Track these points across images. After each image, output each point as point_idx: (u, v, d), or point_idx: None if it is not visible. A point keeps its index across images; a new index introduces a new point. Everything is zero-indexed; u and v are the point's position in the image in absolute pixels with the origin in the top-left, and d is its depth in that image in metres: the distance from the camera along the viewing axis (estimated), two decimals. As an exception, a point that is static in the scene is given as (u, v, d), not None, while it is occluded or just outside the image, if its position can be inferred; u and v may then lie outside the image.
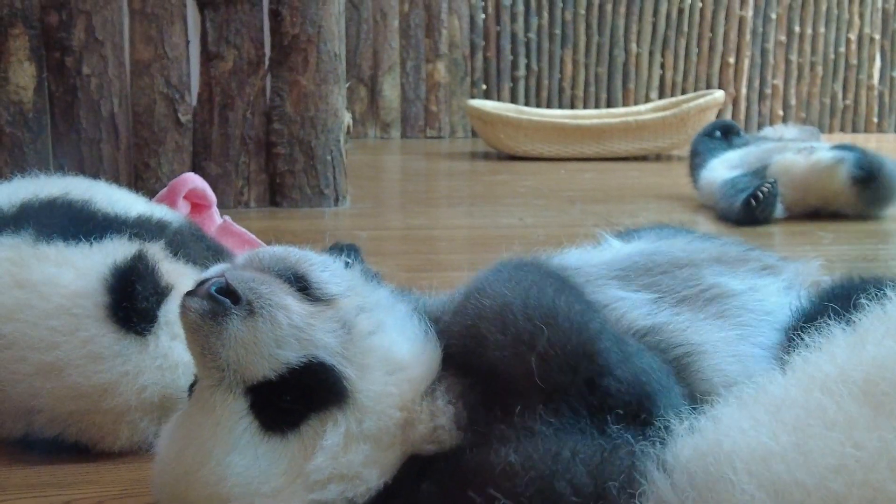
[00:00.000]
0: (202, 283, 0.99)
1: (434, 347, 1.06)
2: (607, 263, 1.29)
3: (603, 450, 0.90)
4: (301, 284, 1.02)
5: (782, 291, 1.26)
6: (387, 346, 1.02)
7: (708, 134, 4.19)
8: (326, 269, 1.05)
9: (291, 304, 0.99)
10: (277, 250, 1.05)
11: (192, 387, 1.07)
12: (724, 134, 4.18)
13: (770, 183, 3.43)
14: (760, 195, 3.39)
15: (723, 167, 3.83)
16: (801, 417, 0.78)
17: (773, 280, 1.27)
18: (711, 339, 1.13)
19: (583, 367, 0.95)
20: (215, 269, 1.03)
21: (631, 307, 1.16)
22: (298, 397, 0.98)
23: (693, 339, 1.12)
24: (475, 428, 0.99)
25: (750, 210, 3.40)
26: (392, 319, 1.06)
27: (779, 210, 3.49)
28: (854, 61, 8.07)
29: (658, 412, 0.94)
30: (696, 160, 4.07)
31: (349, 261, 1.11)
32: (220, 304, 0.96)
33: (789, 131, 4.60)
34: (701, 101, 5.83)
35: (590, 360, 0.96)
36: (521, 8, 7.55)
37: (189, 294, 0.99)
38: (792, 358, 0.89)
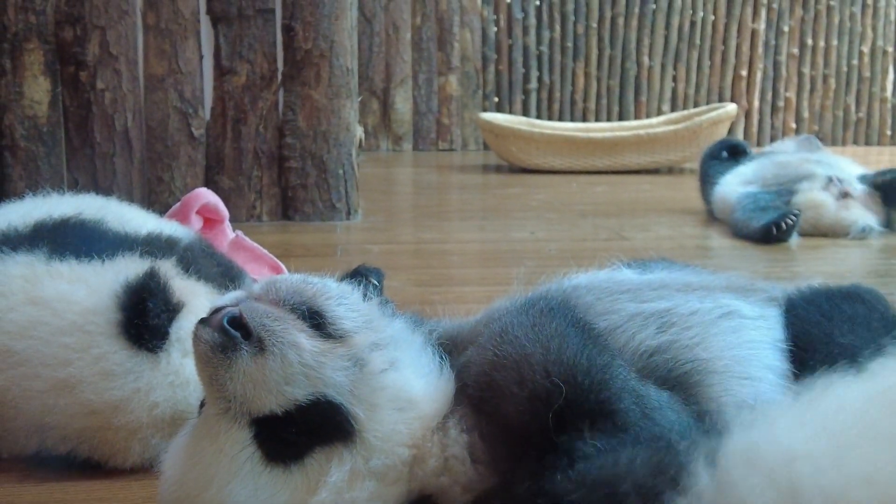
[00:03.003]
0: (216, 311, 0.99)
1: (448, 381, 1.06)
2: (619, 282, 1.29)
3: (659, 450, 0.89)
4: (316, 320, 1.01)
5: None
6: (399, 383, 1.01)
7: (714, 156, 4.15)
8: (343, 303, 1.04)
9: (303, 342, 0.98)
10: (295, 281, 1.05)
11: (202, 404, 1.08)
12: (731, 154, 4.14)
13: (795, 214, 3.41)
14: (784, 226, 3.37)
15: (737, 182, 3.81)
16: (848, 425, 0.76)
17: (780, 311, 1.25)
18: (723, 356, 1.11)
19: (600, 425, 0.94)
20: (230, 297, 1.02)
21: (640, 327, 1.14)
22: (304, 431, 0.98)
23: (702, 356, 1.10)
24: (495, 459, 0.99)
25: (768, 235, 3.38)
26: (406, 354, 1.05)
27: (794, 238, 3.46)
28: (867, 74, 8.05)
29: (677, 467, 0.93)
30: (706, 181, 4.03)
31: (368, 290, 1.10)
32: (230, 338, 0.97)
33: (787, 146, 4.54)
34: (713, 114, 5.82)
35: (608, 418, 0.94)
36: (533, 21, 7.57)
37: (202, 322, 0.99)
38: (869, 366, 0.88)
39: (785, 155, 4.03)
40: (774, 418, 0.82)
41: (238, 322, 0.98)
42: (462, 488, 1.01)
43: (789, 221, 3.38)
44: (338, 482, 0.97)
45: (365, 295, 1.10)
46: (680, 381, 1.08)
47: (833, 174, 3.64)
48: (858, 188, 3.60)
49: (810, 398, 0.84)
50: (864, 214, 3.54)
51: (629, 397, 0.97)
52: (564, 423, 0.93)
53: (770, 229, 3.38)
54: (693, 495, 0.81)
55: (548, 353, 0.97)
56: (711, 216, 3.94)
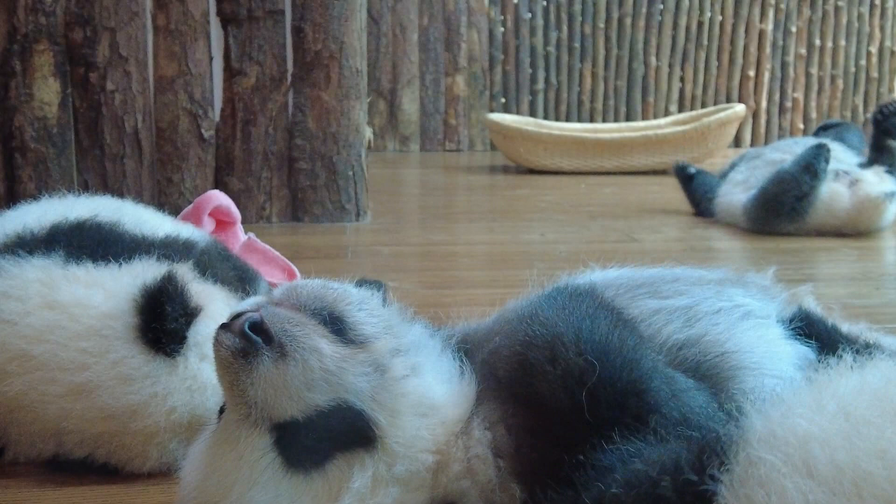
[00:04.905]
0: (237, 316, 0.99)
1: (469, 385, 1.05)
2: (633, 278, 1.29)
3: (698, 442, 0.89)
4: (336, 325, 1.01)
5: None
6: (421, 389, 1.01)
7: (688, 180, 4.15)
8: (363, 309, 1.04)
9: (324, 348, 0.98)
10: (316, 286, 1.04)
11: (222, 409, 1.07)
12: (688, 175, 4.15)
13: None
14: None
15: (739, 190, 3.76)
16: (864, 405, 0.79)
17: (776, 305, 1.26)
18: (754, 351, 1.12)
19: (631, 404, 0.95)
20: (251, 303, 1.02)
21: (665, 321, 1.15)
22: (325, 437, 0.97)
23: (733, 350, 1.11)
24: (520, 451, 0.98)
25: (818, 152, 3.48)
26: (427, 360, 1.05)
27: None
28: (875, 74, 8.03)
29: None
30: (702, 201, 4.02)
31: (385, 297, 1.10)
32: (252, 344, 0.96)
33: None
34: (722, 114, 5.80)
35: (638, 398, 0.95)
36: (540, 21, 7.56)
37: (223, 328, 0.99)
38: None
39: (774, 153, 3.95)
40: (792, 404, 0.85)
41: (259, 327, 0.97)
42: (481, 490, 1.01)
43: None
44: (360, 488, 0.96)
45: (384, 301, 1.10)
46: (709, 374, 1.08)
47: (838, 168, 3.61)
48: (865, 173, 3.58)
49: (829, 382, 0.87)
50: (880, 182, 3.52)
51: (659, 377, 0.98)
52: (598, 402, 0.94)
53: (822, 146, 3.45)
54: (727, 483, 0.82)
55: (580, 333, 0.98)
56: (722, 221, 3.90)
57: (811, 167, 3.46)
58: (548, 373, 0.97)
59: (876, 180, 3.54)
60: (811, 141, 3.83)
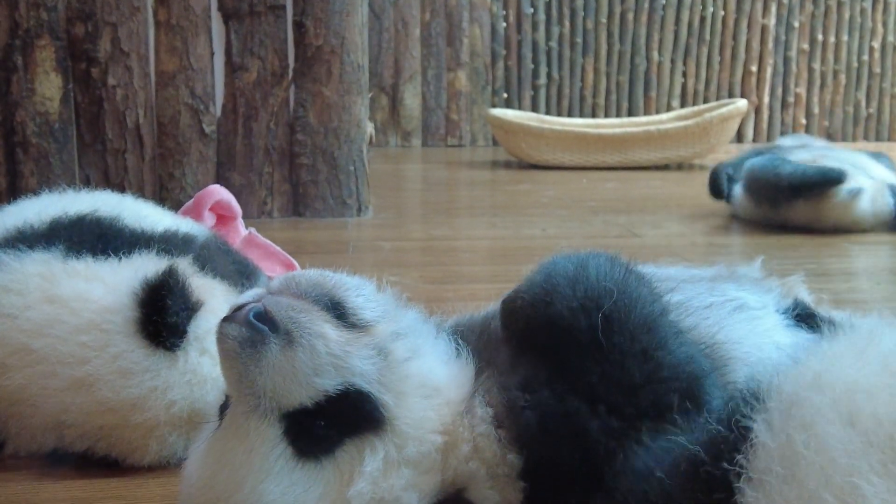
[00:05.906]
0: (239, 308, 0.99)
1: (468, 365, 1.07)
2: None
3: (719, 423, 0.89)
4: (338, 311, 1.02)
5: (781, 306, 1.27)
6: (423, 371, 1.02)
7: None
8: (361, 294, 1.05)
9: (329, 333, 0.98)
10: (314, 275, 1.05)
11: (222, 407, 1.07)
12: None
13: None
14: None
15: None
16: None
17: (772, 297, 1.27)
18: (744, 342, 1.13)
19: (642, 336, 0.99)
20: (252, 294, 1.02)
21: None
22: (333, 423, 0.97)
23: (722, 341, 1.11)
24: (515, 412, 1.00)
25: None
26: (426, 343, 1.06)
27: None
28: (877, 69, 8.02)
29: (703, 397, 0.97)
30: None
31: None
32: (258, 332, 0.96)
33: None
34: (724, 110, 5.79)
35: (649, 332, 1.00)
36: (542, 17, 7.55)
37: (226, 320, 0.99)
38: None
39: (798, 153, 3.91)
40: (838, 354, 0.86)
41: (264, 316, 0.97)
42: (488, 469, 1.01)
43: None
44: (373, 472, 0.97)
45: (378, 288, 1.10)
46: None
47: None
48: (867, 182, 3.47)
49: (870, 336, 0.88)
50: (855, 181, 3.43)
51: (667, 320, 1.04)
52: (611, 326, 0.99)
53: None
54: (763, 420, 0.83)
55: (599, 269, 1.05)
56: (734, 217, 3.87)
57: (802, 189, 3.40)
58: (568, 295, 1.01)
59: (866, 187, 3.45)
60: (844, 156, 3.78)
